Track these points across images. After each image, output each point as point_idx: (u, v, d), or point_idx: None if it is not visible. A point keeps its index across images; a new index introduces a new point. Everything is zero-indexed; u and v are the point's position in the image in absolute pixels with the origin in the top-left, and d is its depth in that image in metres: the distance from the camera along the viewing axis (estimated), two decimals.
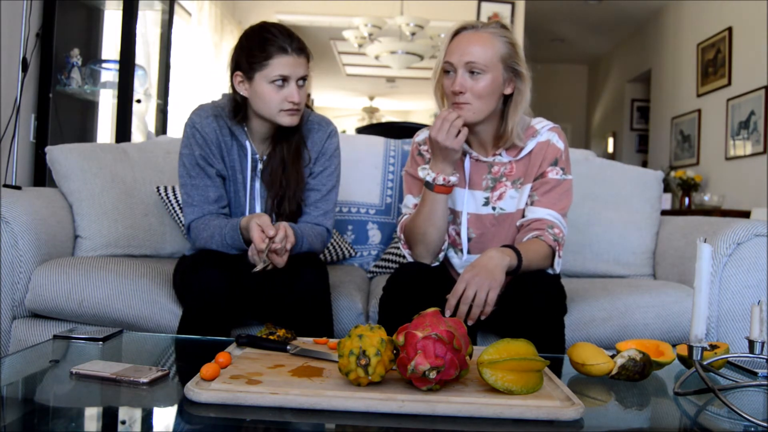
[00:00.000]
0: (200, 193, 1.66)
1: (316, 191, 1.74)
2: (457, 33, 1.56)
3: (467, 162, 1.64)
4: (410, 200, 1.68)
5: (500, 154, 1.63)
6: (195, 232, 1.65)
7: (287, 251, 1.50)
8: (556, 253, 1.56)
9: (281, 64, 1.54)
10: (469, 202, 1.64)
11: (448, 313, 1.40)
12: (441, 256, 1.64)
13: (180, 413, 0.91)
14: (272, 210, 1.72)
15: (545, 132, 1.63)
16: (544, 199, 1.60)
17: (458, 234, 1.66)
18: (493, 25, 1.57)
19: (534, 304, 1.44)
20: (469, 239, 1.65)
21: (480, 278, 1.39)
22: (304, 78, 1.59)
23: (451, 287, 1.43)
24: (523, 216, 1.62)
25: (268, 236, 1.46)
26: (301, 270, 1.56)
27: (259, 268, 1.46)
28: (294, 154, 1.70)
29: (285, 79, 1.56)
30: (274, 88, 1.56)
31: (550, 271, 1.58)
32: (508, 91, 1.57)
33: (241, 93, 1.62)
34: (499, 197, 1.63)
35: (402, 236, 1.66)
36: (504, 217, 1.64)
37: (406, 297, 1.49)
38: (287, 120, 1.61)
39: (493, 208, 1.64)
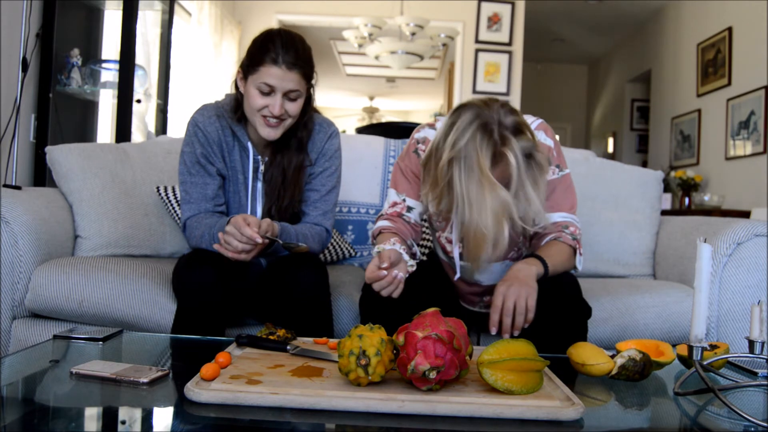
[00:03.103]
0: (199, 190, 1.67)
1: (315, 191, 1.74)
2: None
3: None
4: (392, 196, 1.65)
5: None
6: (189, 231, 1.66)
7: (252, 250, 1.49)
8: (577, 251, 1.56)
9: (268, 74, 1.54)
10: None
11: (493, 330, 1.36)
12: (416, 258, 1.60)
13: (180, 413, 0.91)
14: (269, 214, 1.72)
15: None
16: (550, 202, 1.58)
17: (449, 241, 1.64)
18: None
19: (563, 310, 1.44)
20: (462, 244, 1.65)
21: (515, 288, 1.37)
22: (293, 92, 1.57)
23: (435, 279, 1.40)
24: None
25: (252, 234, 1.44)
26: (301, 270, 1.56)
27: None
28: (295, 172, 1.70)
29: (271, 89, 1.56)
30: (259, 93, 1.57)
31: (572, 271, 1.58)
32: None
33: (240, 89, 1.64)
34: None
35: (374, 242, 1.61)
36: None
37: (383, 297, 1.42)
38: (265, 131, 1.61)
39: None
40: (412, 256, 1.50)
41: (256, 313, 1.72)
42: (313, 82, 1.66)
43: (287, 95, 1.57)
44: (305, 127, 1.71)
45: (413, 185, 1.65)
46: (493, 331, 1.37)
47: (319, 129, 1.75)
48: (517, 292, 1.36)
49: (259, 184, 1.72)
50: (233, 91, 1.69)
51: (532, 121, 1.63)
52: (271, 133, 1.61)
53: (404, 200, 1.64)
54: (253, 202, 1.72)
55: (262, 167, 1.72)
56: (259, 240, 1.45)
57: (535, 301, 1.37)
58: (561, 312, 1.44)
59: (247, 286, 1.69)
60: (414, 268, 1.42)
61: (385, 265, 1.33)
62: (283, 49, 1.55)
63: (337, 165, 1.77)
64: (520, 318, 1.36)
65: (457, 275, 1.64)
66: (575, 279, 1.56)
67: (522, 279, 1.39)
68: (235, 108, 1.67)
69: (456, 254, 1.61)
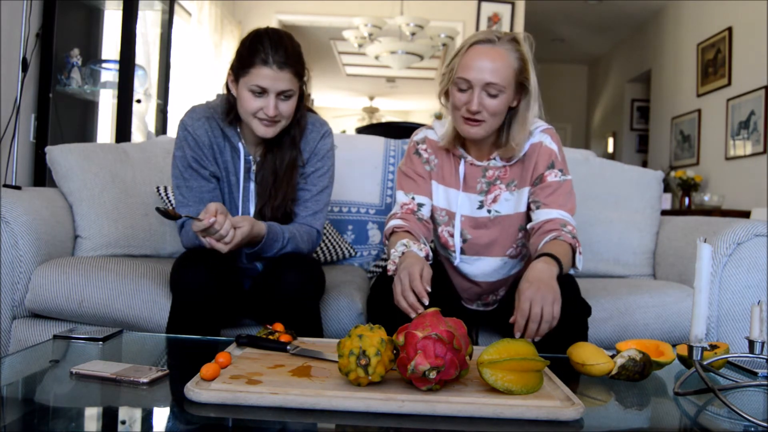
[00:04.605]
0: (195, 194, 1.66)
1: (306, 191, 1.72)
2: (472, 45, 1.52)
3: (462, 165, 1.64)
4: (401, 197, 1.67)
5: (494, 159, 1.62)
6: (185, 231, 1.65)
7: (227, 243, 1.46)
8: (577, 251, 1.52)
9: (260, 75, 1.53)
10: (463, 204, 1.64)
11: (517, 335, 1.32)
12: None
13: (180, 413, 0.91)
14: (262, 213, 1.71)
15: (538, 133, 1.62)
16: (550, 200, 1.57)
17: (451, 235, 1.66)
18: (506, 38, 1.53)
19: (563, 310, 1.42)
20: (464, 240, 1.65)
21: (543, 293, 1.32)
22: (286, 92, 1.56)
23: (439, 283, 1.41)
24: (529, 220, 1.61)
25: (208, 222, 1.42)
26: (284, 271, 1.54)
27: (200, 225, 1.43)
28: (287, 169, 1.69)
29: (263, 90, 1.55)
30: (252, 95, 1.56)
31: (572, 270, 1.54)
32: (514, 104, 1.56)
33: (232, 92, 1.63)
34: (494, 200, 1.63)
35: (387, 243, 1.62)
36: (500, 220, 1.63)
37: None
38: (261, 130, 1.59)
39: (489, 211, 1.64)
40: (426, 257, 1.50)
41: (254, 315, 1.72)
42: (305, 79, 1.64)
43: (280, 95, 1.57)
44: (298, 123, 1.69)
45: (420, 184, 1.66)
46: (518, 335, 1.32)
47: (312, 128, 1.74)
48: (544, 298, 1.31)
49: (252, 185, 1.72)
50: (225, 92, 1.68)
51: (538, 125, 1.63)
52: (268, 131, 1.60)
53: (413, 198, 1.65)
54: (245, 203, 1.72)
55: (253, 167, 1.71)
56: (205, 222, 1.41)
57: (560, 308, 1.32)
58: (561, 313, 1.43)
59: (241, 288, 1.69)
60: (430, 262, 1.46)
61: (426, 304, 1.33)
62: (273, 49, 1.53)
63: (330, 165, 1.76)
64: (545, 326, 1.31)
65: (457, 260, 1.66)
66: (573, 279, 1.54)
67: (547, 282, 1.34)
68: (227, 110, 1.66)
69: (457, 239, 1.64)
